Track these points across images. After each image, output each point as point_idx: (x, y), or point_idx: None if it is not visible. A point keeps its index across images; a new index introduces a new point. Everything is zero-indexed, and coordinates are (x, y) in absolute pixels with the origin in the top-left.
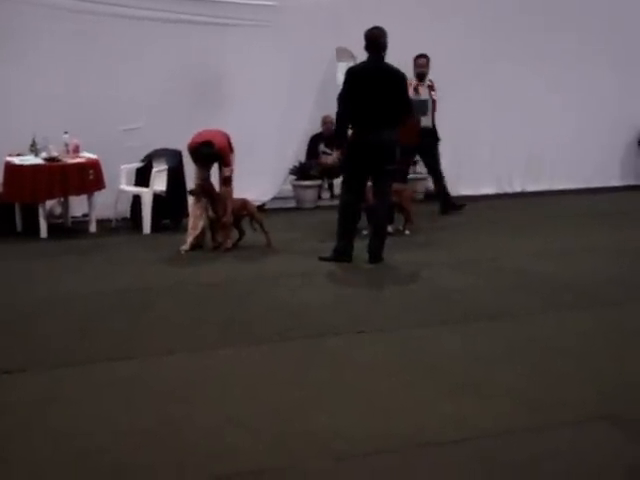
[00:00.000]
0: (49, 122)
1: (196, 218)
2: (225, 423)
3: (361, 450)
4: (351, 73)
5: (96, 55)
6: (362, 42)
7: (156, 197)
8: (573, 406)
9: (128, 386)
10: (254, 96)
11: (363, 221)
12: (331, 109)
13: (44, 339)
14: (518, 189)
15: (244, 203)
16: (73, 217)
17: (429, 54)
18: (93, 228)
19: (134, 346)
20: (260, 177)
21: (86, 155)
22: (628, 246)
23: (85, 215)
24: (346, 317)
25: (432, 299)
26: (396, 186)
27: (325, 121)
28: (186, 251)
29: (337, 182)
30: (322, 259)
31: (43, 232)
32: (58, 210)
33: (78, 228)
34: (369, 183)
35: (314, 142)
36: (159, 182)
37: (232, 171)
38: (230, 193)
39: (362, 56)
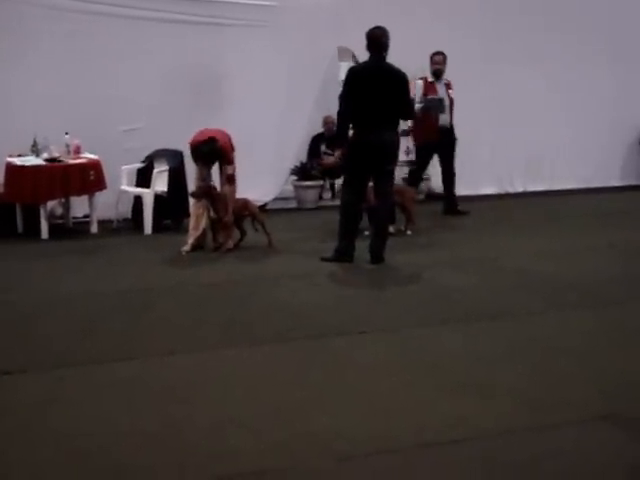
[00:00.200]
0: (50, 123)
1: (197, 218)
2: (226, 424)
3: (362, 450)
4: (352, 73)
5: (97, 56)
6: (363, 42)
7: (157, 198)
8: (575, 406)
9: (129, 387)
10: (255, 96)
11: (364, 221)
12: (332, 109)
13: (45, 340)
14: (519, 189)
15: (245, 203)
16: (74, 218)
17: (429, 54)
18: (94, 229)
19: (135, 347)
20: (261, 177)
21: (87, 156)
22: (630, 246)
23: (86, 216)
24: (347, 317)
25: (433, 299)
26: (398, 186)
27: (326, 121)
28: (187, 252)
29: (338, 182)
30: (323, 259)
31: (44, 233)
32: (59, 211)
33: (79, 229)
34: (370, 183)
35: (315, 142)
36: (160, 183)
37: (235, 169)
38: (233, 191)
39: (363, 56)
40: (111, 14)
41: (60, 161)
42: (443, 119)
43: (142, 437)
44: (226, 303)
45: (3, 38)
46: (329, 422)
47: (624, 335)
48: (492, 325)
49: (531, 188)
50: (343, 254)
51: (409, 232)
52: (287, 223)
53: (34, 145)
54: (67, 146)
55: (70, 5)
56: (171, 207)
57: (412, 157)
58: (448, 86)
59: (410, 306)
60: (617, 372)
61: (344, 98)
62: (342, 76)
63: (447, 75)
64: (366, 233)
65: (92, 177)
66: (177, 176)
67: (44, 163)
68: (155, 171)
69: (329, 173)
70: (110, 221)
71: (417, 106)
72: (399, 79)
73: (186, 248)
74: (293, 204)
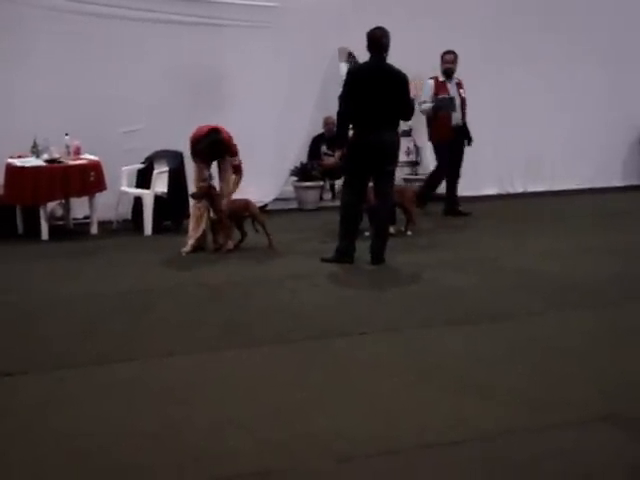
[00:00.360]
0: (50, 124)
1: (197, 219)
2: (226, 424)
3: (363, 451)
4: (352, 73)
5: (97, 57)
6: (364, 42)
7: (157, 199)
8: (575, 406)
9: (129, 387)
10: (255, 97)
11: (365, 222)
12: (332, 110)
13: (46, 341)
14: (520, 190)
15: (246, 204)
16: (74, 219)
17: (430, 55)
18: (94, 230)
19: (135, 347)
20: (261, 178)
21: (87, 157)
22: (631, 246)
23: (86, 217)
24: (348, 318)
25: (434, 300)
26: (399, 187)
27: (327, 122)
28: (187, 253)
29: (339, 183)
30: (324, 260)
31: (44, 234)
32: (59, 212)
33: (79, 230)
34: (371, 184)
35: (316, 143)
36: (160, 184)
37: (240, 161)
38: (238, 181)
39: (363, 57)
40: (111, 15)
41: (60, 162)
42: (455, 118)
43: (142, 438)
44: (226, 304)
45: (3, 39)
46: (329, 423)
47: (624, 336)
48: (493, 326)
49: (532, 189)
50: (343, 255)
51: (409, 233)
52: (287, 224)
53: (34, 146)
54: (67, 147)
55: (70, 6)
56: (171, 208)
57: (412, 157)
58: (459, 85)
59: (411, 307)
60: (617, 372)
61: (344, 98)
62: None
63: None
64: (366, 234)
65: (92, 178)
66: (177, 177)
67: (44, 164)
68: (155, 172)
69: (329, 174)
70: (110, 222)
71: (428, 105)
72: (399, 80)
73: (186, 249)
74: (293, 205)
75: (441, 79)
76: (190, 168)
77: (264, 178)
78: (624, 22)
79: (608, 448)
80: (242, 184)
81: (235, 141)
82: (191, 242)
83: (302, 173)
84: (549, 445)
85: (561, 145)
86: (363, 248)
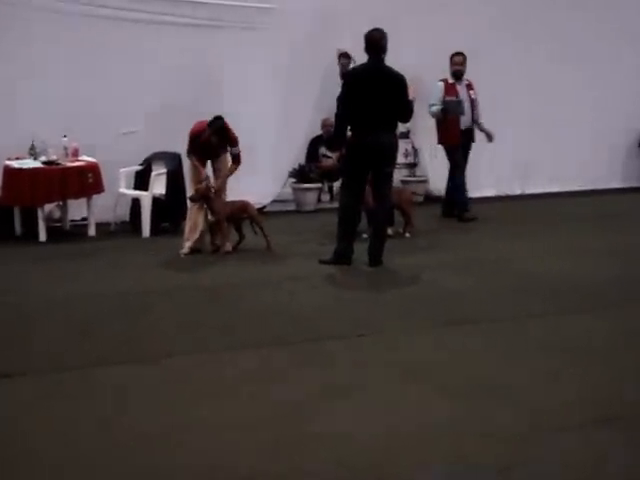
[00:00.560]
0: (48, 125)
1: (195, 221)
2: (224, 427)
3: (364, 455)
4: (351, 75)
5: (95, 59)
6: (362, 44)
7: (155, 200)
8: (573, 409)
9: (127, 389)
10: (253, 99)
11: (363, 224)
12: (330, 112)
13: (44, 342)
14: (518, 191)
15: (245, 205)
16: (72, 221)
17: (428, 57)
18: (92, 232)
19: (133, 349)
20: (260, 180)
21: (85, 158)
22: (630, 248)
23: (84, 219)
24: (346, 320)
25: (432, 302)
26: (396, 188)
27: (325, 124)
28: (185, 254)
29: (337, 185)
30: (322, 262)
31: (42, 236)
32: (57, 214)
33: (77, 232)
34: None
35: (314, 145)
36: (158, 185)
37: (239, 150)
38: (234, 169)
39: (362, 58)
40: (109, 17)
41: (58, 164)
42: (464, 121)
43: (140, 439)
44: (224, 306)
45: (1, 40)
46: (328, 425)
47: (624, 338)
48: (491, 327)
49: (530, 190)
50: (342, 256)
51: (408, 234)
52: (286, 226)
53: (32, 148)
54: (65, 149)
55: (67, 8)
56: (169, 210)
57: (411, 159)
58: (469, 86)
59: (409, 309)
60: (617, 374)
61: (342, 100)
62: None
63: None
64: (365, 235)
65: (90, 180)
66: (175, 179)
67: (42, 166)
68: (153, 174)
69: (327, 176)
70: (108, 224)
71: (437, 108)
72: (397, 81)
73: (184, 251)
74: (292, 207)
75: (450, 81)
76: (188, 169)
77: (262, 180)
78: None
79: (606, 451)
80: (240, 186)
81: None
82: (188, 244)
83: (300, 175)
84: (549, 448)
85: (560, 146)
86: (361, 250)
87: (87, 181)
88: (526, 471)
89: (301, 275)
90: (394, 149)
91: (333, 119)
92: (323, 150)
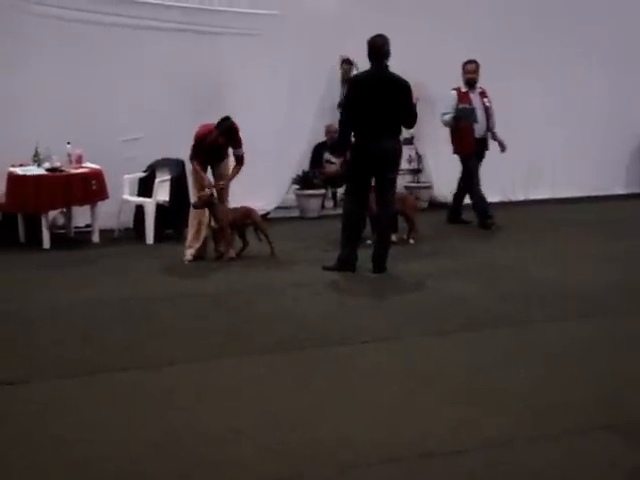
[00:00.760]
0: (52, 132)
1: (198, 228)
2: (228, 433)
3: (365, 459)
4: (355, 81)
5: (98, 65)
6: (364, 50)
7: (159, 207)
8: (576, 414)
9: (130, 396)
10: (256, 105)
11: (367, 230)
12: (334, 118)
13: (47, 349)
14: (521, 197)
15: (249, 212)
16: (76, 227)
17: (429, 63)
18: (96, 238)
19: (136, 356)
20: (263, 186)
21: (89, 165)
22: (632, 254)
23: (88, 225)
24: (350, 326)
25: (436, 308)
26: (400, 195)
27: (329, 130)
28: (189, 261)
29: (340, 191)
30: (326, 268)
31: (46, 243)
32: (61, 220)
33: (81, 238)
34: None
35: (318, 151)
36: (162, 192)
37: (244, 152)
38: (238, 170)
39: (365, 64)
40: (112, 24)
41: (62, 171)
42: (478, 129)
43: (143, 445)
44: (228, 312)
45: (5, 47)
46: (331, 431)
47: (625, 343)
48: (494, 333)
49: (533, 196)
50: (345, 263)
51: (412, 241)
52: (289, 232)
53: (36, 155)
54: (69, 156)
55: (71, 15)
56: (173, 216)
57: (415, 165)
58: (483, 94)
59: (413, 315)
60: (618, 380)
61: (346, 106)
62: None
63: (449, 85)
64: (368, 242)
65: (94, 187)
66: (179, 185)
67: (46, 173)
68: (157, 180)
69: (331, 182)
70: (112, 231)
71: (449, 116)
72: (401, 87)
73: (188, 257)
74: (295, 213)
75: (464, 89)
76: (190, 175)
77: (266, 186)
78: (625, 27)
79: (608, 455)
80: (243, 192)
81: None
82: (191, 251)
83: (304, 181)
84: (551, 453)
85: (563, 153)
86: (365, 256)
87: (91, 188)
88: (528, 477)
89: (305, 282)
90: (397, 155)
91: (336, 125)
92: (327, 156)
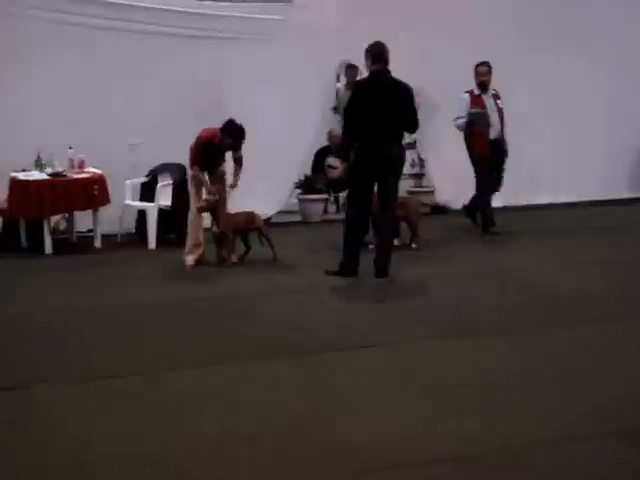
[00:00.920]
0: (54, 137)
1: (197, 234)
2: (230, 439)
3: (365, 465)
4: (358, 87)
5: (100, 71)
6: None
7: (161, 212)
8: (582, 422)
9: (132, 401)
10: (259, 110)
11: (370, 234)
12: (336, 123)
13: (48, 355)
14: (524, 202)
15: (252, 216)
16: (78, 232)
17: (432, 67)
18: (98, 243)
19: (138, 361)
20: (265, 191)
21: (91, 170)
22: (638, 260)
23: (90, 230)
24: (352, 332)
25: (438, 313)
26: (403, 199)
27: (331, 135)
28: (191, 266)
29: (343, 196)
30: (328, 273)
31: (48, 247)
32: (63, 225)
33: (83, 243)
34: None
35: (320, 156)
36: (164, 197)
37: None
38: (238, 172)
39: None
40: (115, 29)
41: (64, 176)
42: (492, 131)
43: (144, 451)
44: (229, 317)
45: (7, 53)
46: (332, 436)
47: (633, 350)
48: (497, 339)
49: (536, 201)
50: (348, 268)
51: (414, 245)
52: (292, 237)
53: (38, 160)
54: (71, 161)
55: (75, 20)
56: (175, 221)
57: (417, 170)
58: (496, 96)
59: (415, 320)
60: (629, 387)
61: (348, 112)
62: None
63: (452, 90)
64: (371, 246)
65: (96, 191)
66: (181, 190)
67: (48, 178)
68: (159, 185)
69: (334, 186)
70: (114, 235)
71: (462, 121)
72: (403, 92)
73: (190, 263)
74: (297, 217)
75: (476, 92)
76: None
77: (268, 191)
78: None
79: (620, 463)
80: (246, 197)
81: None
82: (193, 257)
83: (306, 186)
84: (557, 461)
85: (566, 157)
86: (367, 261)
87: (93, 193)
88: None
89: (306, 286)
90: (400, 160)
91: (339, 130)
92: (329, 161)
